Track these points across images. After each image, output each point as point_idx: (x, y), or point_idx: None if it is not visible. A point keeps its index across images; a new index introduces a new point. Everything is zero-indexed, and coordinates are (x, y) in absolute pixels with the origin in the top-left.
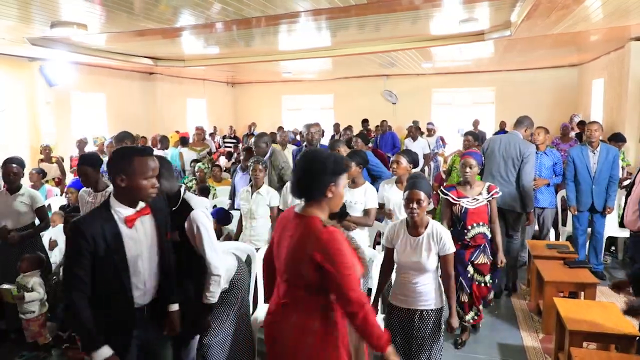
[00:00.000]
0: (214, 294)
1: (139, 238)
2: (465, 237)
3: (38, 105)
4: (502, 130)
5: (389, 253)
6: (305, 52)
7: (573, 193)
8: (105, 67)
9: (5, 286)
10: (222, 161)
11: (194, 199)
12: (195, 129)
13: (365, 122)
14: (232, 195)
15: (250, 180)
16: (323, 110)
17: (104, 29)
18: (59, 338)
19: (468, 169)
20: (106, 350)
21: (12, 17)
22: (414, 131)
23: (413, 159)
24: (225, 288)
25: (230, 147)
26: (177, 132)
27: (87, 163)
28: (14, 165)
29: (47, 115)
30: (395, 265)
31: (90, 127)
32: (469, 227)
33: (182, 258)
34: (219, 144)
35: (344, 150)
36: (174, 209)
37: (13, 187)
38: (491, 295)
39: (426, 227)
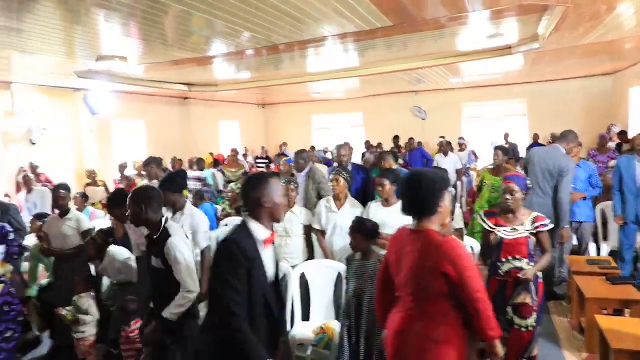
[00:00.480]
0: (175, 314)
1: (269, 259)
2: (499, 271)
3: (82, 133)
4: (536, 143)
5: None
6: (334, 72)
7: (619, 203)
8: (144, 94)
9: (62, 312)
10: None
11: (173, 228)
12: (231, 151)
13: (396, 138)
14: None
15: None
16: (353, 128)
17: (142, 60)
18: (110, 355)
19: (509, 196)
20: None
21: (60, 53)
22: (445, 146)
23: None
24: None
25: (262, 167)
26: (211, 154)
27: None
28: (62, 190)
29: (90, 142)
30: None
31: (130, 152)
32: (503, 260)
33: (166, 284)
34: (252, 165)
35: (390, 164)
36: (155, 237)
37: (62, 211)
38: (536, 350)
39: None
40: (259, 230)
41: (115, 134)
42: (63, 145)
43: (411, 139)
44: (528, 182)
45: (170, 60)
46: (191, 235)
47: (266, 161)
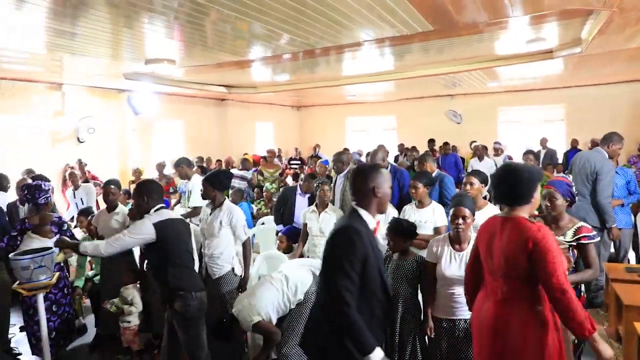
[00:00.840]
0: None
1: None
2: None
3: (125, 132)
4: (574, 149)
5: (432, 268)
6: (372, 75)
7: None
8: (183, 95)
9: (107, 305)
10: (289, 181)
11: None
12: (268, 152)
13: (431, 142)
14: (278, 211)
15: (312, 201)
16: (386, 131)
17: (187, 62)
18: (151, 344)
19: (548, 202)
20: (379, 350)
21: (111, 56)
22: (480, 150)
23: (483, 179)
24: (300, 300)
25: (295, 168)
26: (246, 154)
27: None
28: (112, 186)
29: (132, 141)
30: (439, 280)
31: (169, 151)
32: None
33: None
34: (286, 165)
35: (431, 166)
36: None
37: (111, 206)
38: None
39: (469, 243)
40: (369, 219)
41: (155, 134)
42: (108, 144)
43: (446, 143)
44: (573, 188)
45: (214, 63)
46: (228, 230)
47: (299, 162)
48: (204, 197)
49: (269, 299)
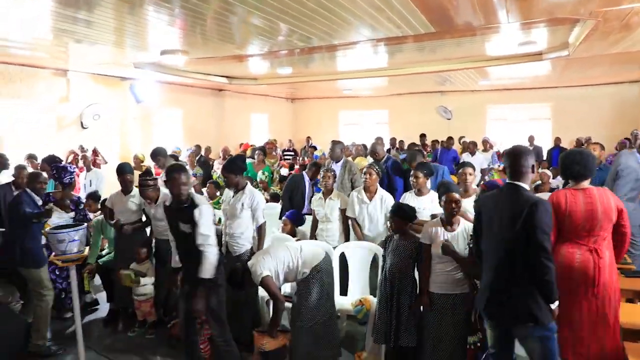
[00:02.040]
0: (207, 270)
1: None
2: None
3: (127, 120)
4: (557, 147)
5: (427, 248)
6: (364, 72)
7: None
8: (182, 85)
9: (126, 272)
10: (284, 172)
11: (197, 197)
12: (267, 144)
13: (423, 137)
14: (287, 198)
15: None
16: (378, 125)
17: (197, 54)
18: (161, 321)
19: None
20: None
21: (122, 45)
22: (472, 147)
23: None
24: (306, 274)
25: (289, 159)
26: (241, 144)
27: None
28: (128, 174)
29: (134, 129)
30: (434, 259)
31: (168, 139)
32: None
33: (192, 245)
34: (280, 156)
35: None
36: (185, 205)
37: (127, 190)
38: None
39: (458, 224)
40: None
41: (155, 122)
42: (110, 131)
43: (450, 138)
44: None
45: (227, 55)
46: (249, 212)
47: (292, 154)
48: (227, 186)
49: (280, 259)
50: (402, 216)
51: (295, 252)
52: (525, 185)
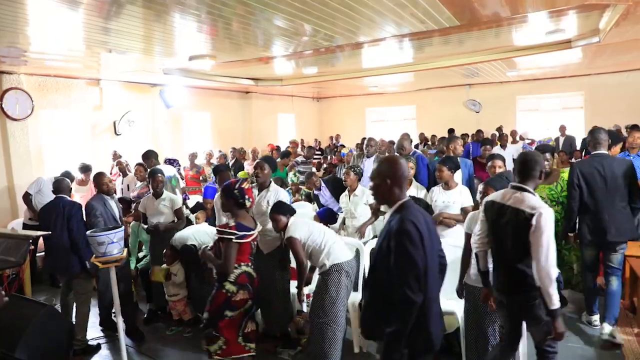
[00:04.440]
0: None
1: None
2: None
3: (157, 125)
4: None
5: (467, 238)
6: (389, 68)
7: None
8: (210, 88)
9: (158, 267)
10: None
11: None
12: (292, 143)
13: (451, 132)
14: (317, 199)
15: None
16: (406, 121)
17: (224, 58)
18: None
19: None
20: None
21: (153, 52)
22: (504, 139)
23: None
24: (325, 266)
25: (318, 158)
26: (270, 145)
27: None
28: (159, 175)
29: (164, 133)
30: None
31: (198, 142)
32: None
33: None
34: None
35: (460, 144)
36: None
37: (159, 192)
38: None
39: None
40: None
41: (185, 125)
42: (141, 136)
43: (479, 131)
44: None
45: (253, 58)
46: None
47: (320, 153)
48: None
49: (313, 234)
50: None
51: (327, 239)
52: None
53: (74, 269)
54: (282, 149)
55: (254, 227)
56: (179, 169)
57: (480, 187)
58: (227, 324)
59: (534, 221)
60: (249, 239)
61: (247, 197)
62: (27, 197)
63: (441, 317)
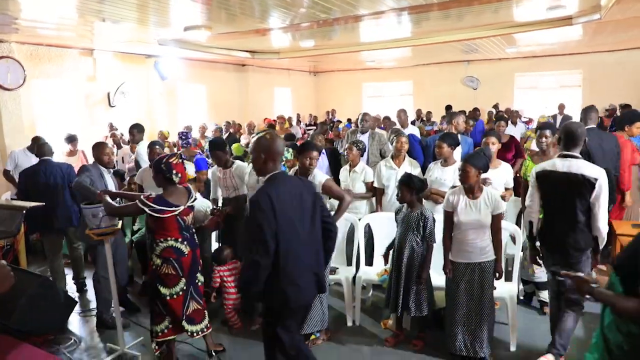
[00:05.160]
0: None
1: None
2: None
3: (151, 97)
4: None
5: (449, 215)
6: (387, 42)
7: None
8: (205, 61)
9: None
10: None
11: None
12: (278, 118)
13: (448, 108)
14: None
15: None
16: (402, 97)
17: (219, 29)
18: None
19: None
20: None
21: (145, 22)
22: (514, 116)
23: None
24: None
25: None
26: (266, 119)
27: (217, 148)
28: (157, 147)
29: (159, 105)
30: (455, 227)
31: (193, 115)
32: None
33: None
34: (304, 131)
35: (462, 121)
36: None
37: None
38: None
39: (481, 192)
40: None
41: (180, 98)
42: (135, 108)
43: (475, 109)
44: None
45: (249, 29)
46: None
47: (314, 128)
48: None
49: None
50: (409, 186)
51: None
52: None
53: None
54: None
55: (183, 203)
56: (187, 142)
57: (458, 164)
58: (170, 304)
59: (597, 184)
60: (168, 215)
61: (174, 171)
62: (7, 174)
63: (303, 278)
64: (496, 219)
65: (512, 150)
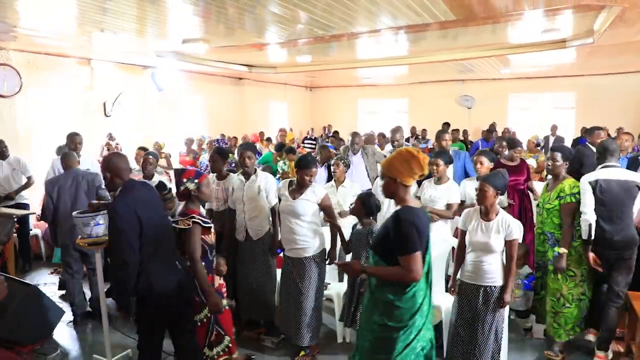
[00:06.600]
0: None
1: None
2: None
3: (148, 107)
4: (582, 137)
5: (462, 235)
6: (384, 60)
7: None
8: (202, 73)
9: None
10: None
11: None
12: (280, 131)
13: (445, 125)
14: None
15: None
16: (398, 114)
17: (218, 43)
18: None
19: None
20: None
21: (144, 34)
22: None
23: (492, 158)
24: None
25: (309, 148)
26: (262, 132)
27: (220, 152)
28: (150, 157)
29: (155, 115)
30: (467, 247)
31: (189, 127)
32: None
33: None
34: (298, 145)
35: (448, 138)
36: None
37: (149, 174)
38: None
39: (497, 215)
40: None
41: (177, 110)
42: (131, 119)
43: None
44: None
45: (247, 44)
46: (264, 193)
47: (314, 142)
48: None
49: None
50: (364, 204)
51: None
52: None
53: None
54: (272, 136)
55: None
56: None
57: (476, 184)
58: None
59: None
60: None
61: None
62: None
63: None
64: (510, 245)
65: (523, 174)
